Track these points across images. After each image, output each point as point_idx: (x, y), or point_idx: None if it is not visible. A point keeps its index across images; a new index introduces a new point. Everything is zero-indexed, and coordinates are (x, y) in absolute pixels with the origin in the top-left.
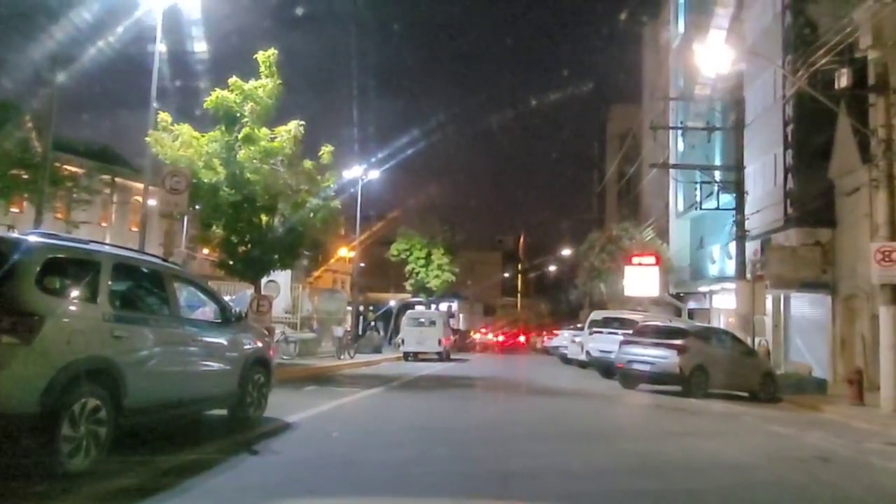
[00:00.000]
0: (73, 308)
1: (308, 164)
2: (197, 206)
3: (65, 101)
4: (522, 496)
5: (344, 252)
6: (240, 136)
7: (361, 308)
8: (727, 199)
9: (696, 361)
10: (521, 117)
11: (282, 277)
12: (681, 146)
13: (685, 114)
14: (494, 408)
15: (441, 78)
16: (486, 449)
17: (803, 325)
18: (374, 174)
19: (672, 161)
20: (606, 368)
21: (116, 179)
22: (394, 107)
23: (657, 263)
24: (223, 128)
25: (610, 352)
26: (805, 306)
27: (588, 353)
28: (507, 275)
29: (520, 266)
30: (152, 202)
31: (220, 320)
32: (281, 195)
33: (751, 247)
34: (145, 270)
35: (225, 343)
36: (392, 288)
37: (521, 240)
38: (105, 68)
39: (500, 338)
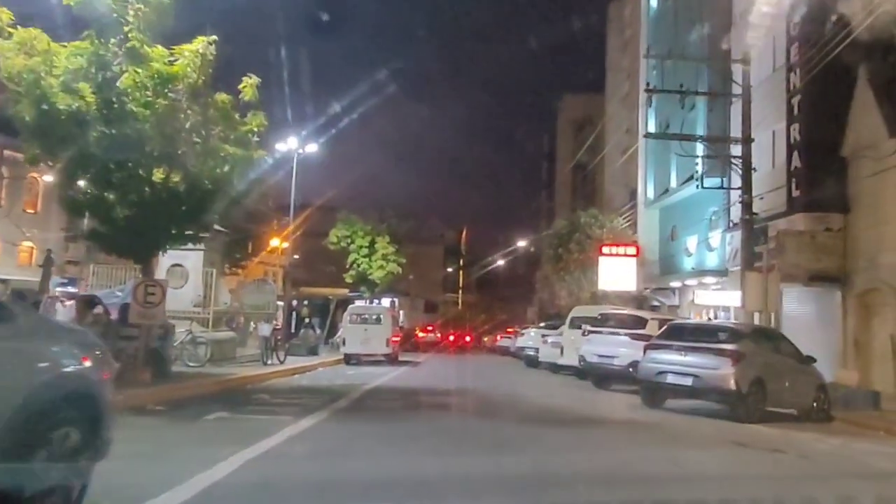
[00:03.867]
0: None
1: (223, 97)
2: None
3: None
4: None
5: (276, 242)
6: (121, 50)
7: (295, 303)
8: (715, 181)
9: (753, 373)
10: (464, 109)
11: (191, 261)
12: (651, 126)
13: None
14: (516, 459)
15: (383, 62)
16: None
17: (798, 324)
18: (312, 148)
19: (642, 143)
20: (604, 377)
21: (5, 152)
22: (331, 91)
23: (637, 254)
24: (94, 36)
25: (612, 357)
26: (793, 301)
27: (582, 358)
28: (450, 269)
29: (462, 262)
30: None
31: None
32: (182, 138)
33: (738, 236)
34: None
35: None
36: (329, 282)
37: (464, 234)
38: None
39: (451, 338)
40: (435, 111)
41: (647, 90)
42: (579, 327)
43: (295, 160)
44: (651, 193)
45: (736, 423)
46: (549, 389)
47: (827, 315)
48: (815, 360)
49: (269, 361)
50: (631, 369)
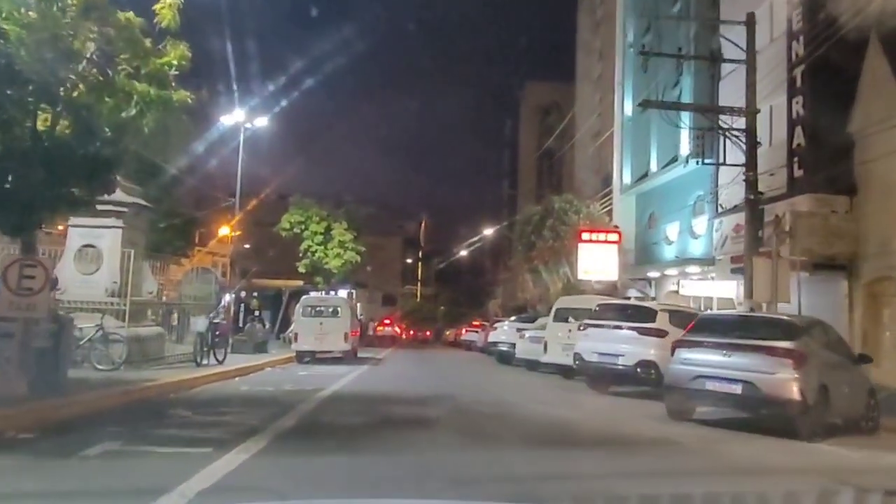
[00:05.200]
0: None
1: (128, 16)
2: None
3: None
4: None
5: (226, 231)
6: None
7: (243, 294)
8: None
9: (817, 379)
10: (424, 96)
11: (107, 241)
12: (628, 109)
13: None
14: None
15: (340, 44)
16: None
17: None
18: (261, 122)
19: (618, 128)
20: (601, 378)
21: None
22: (283, 69)
23: (619, 241)
24: None
25: (616, 355)
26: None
27: (578, 356)
28: (408, 261)
29: (421, 253)
30: None
31: None
32: (70, 69)
33: (728, 221)
34: None
35: None
36: (283, 274)
37: (423, 225)
38: None
39: (411, 332)
40: (393, 98)
41: (642, 52)
42: (566, 320)
43: (242, 135)
44: (628, 178)
45: (796, 441)
46: (538, 393)
47: (830, 306)
48: (870, 360)
49: (205, 362)
50: (639, 370)
